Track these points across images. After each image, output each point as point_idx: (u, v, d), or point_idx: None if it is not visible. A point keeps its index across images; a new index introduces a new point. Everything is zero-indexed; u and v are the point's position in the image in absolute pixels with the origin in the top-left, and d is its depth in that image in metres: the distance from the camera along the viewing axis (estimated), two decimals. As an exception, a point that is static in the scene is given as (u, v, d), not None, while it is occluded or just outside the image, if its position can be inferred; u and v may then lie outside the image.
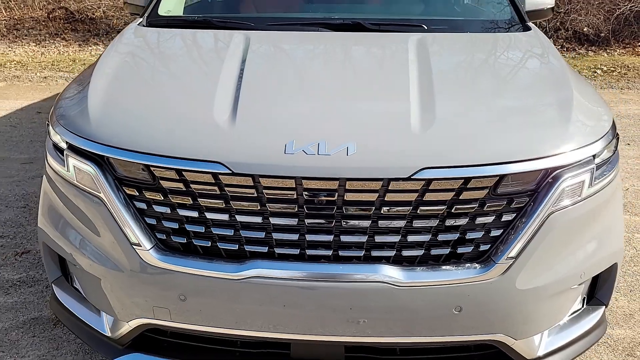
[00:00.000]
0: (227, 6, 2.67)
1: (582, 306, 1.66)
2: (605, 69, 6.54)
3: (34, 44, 8.16)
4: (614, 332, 2.15)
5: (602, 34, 8.09)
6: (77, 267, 1.57)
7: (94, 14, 9.02)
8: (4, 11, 9.38)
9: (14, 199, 3.22)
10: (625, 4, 8.11)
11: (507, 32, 2.14)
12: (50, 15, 9.15)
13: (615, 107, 5.17)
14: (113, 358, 1.58)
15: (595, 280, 1.64)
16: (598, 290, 1.67)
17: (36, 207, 3.05)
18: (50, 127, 1.65)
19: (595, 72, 6.43)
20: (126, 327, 1.52)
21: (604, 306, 1.67)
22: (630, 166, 3.77)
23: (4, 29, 8.74)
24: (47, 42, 8.19)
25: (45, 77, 5.97)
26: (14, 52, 7.41)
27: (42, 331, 2.13)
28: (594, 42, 8.09)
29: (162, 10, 2.31)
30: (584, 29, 8.09)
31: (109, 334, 1.57)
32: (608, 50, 7.75)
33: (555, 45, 7.99)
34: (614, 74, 6.34)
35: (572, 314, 1.62)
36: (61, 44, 8.10)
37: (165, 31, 2.15)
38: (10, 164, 3.71)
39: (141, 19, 2.29)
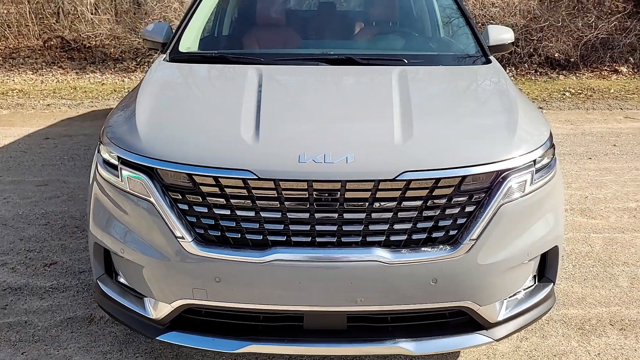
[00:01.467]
0: (235, 42, 3.13)
1: (535, 283, 2.09)
2: (573, 91, 7.16)
3: (31, 72, 8.51)
4: (568, 311, 2.59)
5: (572, 59, 8.77)
6: (125, 261, 1.94)
7: (89, 43, 9.45)
8: (-1, 41, 9.76)
9: (35, 217, 3.57)
10: (591, 31, 8.85)
11: (472, 64, 2.63)
12: (46, 44, 9.55)
13: (580, 125, 5.74)
14: (155, 336, 1.95)
15: (544, 262, 2.08)
16: (547, 270, 2.10)
17: (56, 224, 3.43)
18: (102, 145, 2.04)
19: (564, 94, 7.04)
20: (168, 309, 1.89)
21: (552, 283, 2.10)
22: (591, 177, 4.27)
23: (0, 58, 9.11)
24: (44, 70, 8.56)
25: (48, 105, 6.34)
26: (13, 80, 7.77)
27: (78, 328, 2.48)
28: (564, 67, 8.76)
29: (183, 47, 2.76)
30: (555, 55, 8.76)
31: (152, 316, 1.93)
32: (577, 74, 8.41)
33: (529, 69, 8.66)
34: (581, 96, 6.96)
35: (526, 289, 2.05)
36: (58, 72, 8.47)
37: (189, 65, 2.59)
38: (26, 186, 4.05)
39: (164, 55, 2.72)
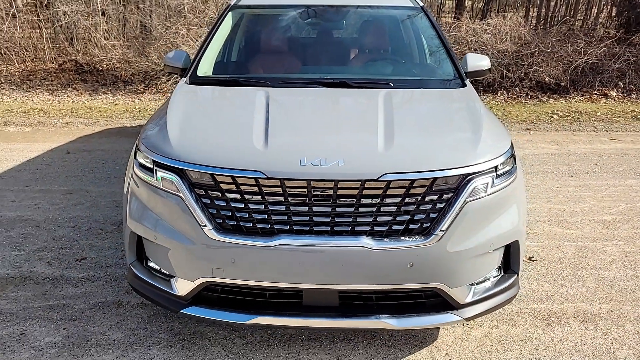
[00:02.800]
0: (243, 67, 3.61)
1: (500, 274, 2.50)
2: (561, 114, 7.64)
3: (47, 93, 9.07)
4: (537, 306, 2.98)
5: (562, 84, 9.28)
6: (156, 246, 2.37)
7: (101, 66, 10.04)
8: (16, 63, 10.37)
9: (63, 221, 4.00)
10: (581, 57, 9.39)
11: (449, 88, 3.10)
12: (61, 67, 10.15)
13: (566, 146, 6.18)
14: (179, 310, 2.36)
15: (508, 255, 2.48)
16: (512, 263, 2.50)
17: (83, 227, 3.86)
18: (139, 152, 2.48)
19: (552, 116, 7.51)
20: (191, 286, 2.30)
21: (516, 274, 2.50)
22: (571, 193, 4.69)
23: (18, 80, 9.69)
24: (60, 91, 9.11)
25: (67, 123, 6.84)
26: (32, 100, 8.31)
27: (109, 310, 2.89)
28: (555, 91, 9.26)
29: (200, 72, 3.24)
30: (546, 79, 9.27)
31: (177, 293, 2.35)
32: (567, 98, 8.90)
33: (520, 93, 9.16)
34: (568, 118, 7.42)
35: (494, 278, 2.45)
36: (73, 93, 9.03)
37: (207, 87, 3.07)
38: (53, 195, 4.50)
39: (185, 79, 3.20)
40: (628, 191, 4.73)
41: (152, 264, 2.50)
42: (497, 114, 7.66)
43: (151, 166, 2.38)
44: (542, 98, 8.89)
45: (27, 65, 10.26)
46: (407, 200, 2.19)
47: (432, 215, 2.22)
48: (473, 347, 2.60)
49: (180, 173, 2.26)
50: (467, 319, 2.36)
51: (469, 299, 2.34)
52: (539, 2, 14.99)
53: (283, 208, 2.19)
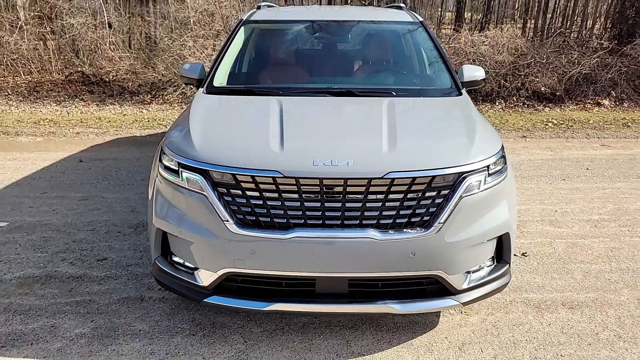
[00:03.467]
0: (255, 78, 3.91)
1: (494, 263, 2.76)
2: (555, 122, 7.96)
3: (55, 104, 9.37)
4: (528, 295, 3.24)
5: (558, 93, 9.63)
6: (181, 241, 2.63)
7: (108, 77, 10.36)
8: (22, 75, 10.68)
9: (82, 225, 4.26)
10: (575, 67, 9.74)
11: (446, 96, 3.39)
12: (68, 79, 10.47)
13: (560, 152, 6.48)
14: (202, 299, 2.62)
15: (500, 247, 2.75)
16: (504, 254, 2.77)
17: (101, 230, 4.11)
18: (164, 155, 2.75)
19: (547, 124, 7.83)
20: (214, 276, 2.56)
21: (508, 264, 2.77)
22: (563, 195, 4.98)
23: (25, 91, 9.99)
24: (67, 102, 9.41)
25: (77, 133, 7.13)
26: (41, 111, 8.60)
27: (133, 304, 3.14)
28: (550, 100, 9.61)
29: (216, 83, 3.53)
30: (542, 89, 9.62)
31: (201, 283, 2.61)
32: (562, 107, 9.24)
33: (517, 102, 9.49)
34: (562, 126, 7.74)
35: (487, 267, 2.72)
36: (80, 104, 9.33)
37: (223, 96, 3.35)
38: (70, 201, 4.77)
39: (202, 89, 3.49)
40: (616, 193, 5.02)
41: (176, 259, 2.75)
42: (494, 122, 7.98)
43: (176, 168, 2.65)
44: (538, 107, 9.23)
45: (34, 77, 10.57)
46: (409, 196, 2.47)
47: (432, 209, 2.49)
48: (470, 331, 2.86)
49: (204, 174, 2.53)
50: (464, 304, 2.62)
51: (465, 286, 2.60)
52: (535, 14, 15.43)
53: (298, 204, 2.46)
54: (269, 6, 4.82)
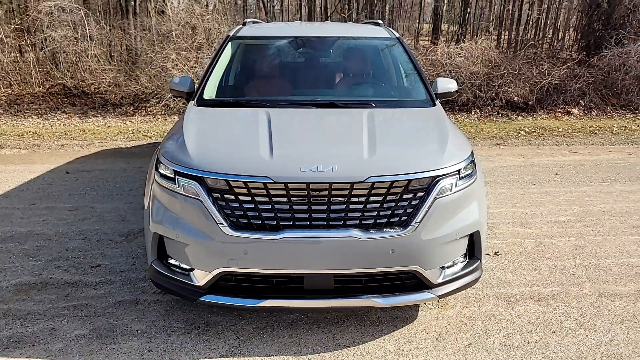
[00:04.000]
0: (242, 91, 4.15)
1: (467, 259, 3.04)
2: (527, 130, 8.38)
3: (36, 116, 9.43)
4: (500, 290, 3.53)
5: (530, 103, 10.09)
6: (177, 244, 2.83)
7: (90, 90, 10.46)
8: (2, 88, 10.71)
9: (73, 234, 4.41)
10: (545, 78, 10.24)
11: (421, 107, 3.69)
12: (48, 91, 10.53)
13: (530, 159, 6.86)
14: (198, 298, 2.82)
15: (472, 245, 3.03)
16: (475, 251, 3.05)
17: (93, 239, 4.27)
18: (160, 164, 2.96)
19: (520, 132, 8.24)
20: (209, 276, 2.77)
21: (479, 260, 3.05)
22: (533, 198, 5.32)
23: (5, 104, 10.02)
24: (49, 115, 9.48)
25: (62, 145, 7.24)
26: (23, 124, 8.66)
27: (128, 307, 3.32)
28: (523, 109, 10.06)
29: (206, 96, 3.76)
30: (515, 99, 10.07)
31: (196, 283, 2.81)
32: (534, 116, 9.69)
33: (492, 111, 9.91)
34: (534, 134, 8.16)
35: (461, 262, 2.99)
36: (62, 116, 9.41)
37: (215, 108, 3.58)
38: (59, 211, 4.91)
39: (193, 102, 3.71)
40: (582, 196, 5.38)
41: (172, 261, 2.96)
42: (470, 131, 8.35)
43: (172, 176, 2.87)
44: (512, 116, 9.66)
45: (14, 90, 10.61)
46: (388, 198, 2.73)
47: (409, 210, 2.76)
48: (446, 323, 3.13)
49: (199, 180, 2.76)
50: (440, 297, 2.89)
51: (440, 280, 2.87)
52: (509, 26, 16.04)
53: (287, 207, 2.71)
54: (253, 22, 5.09)
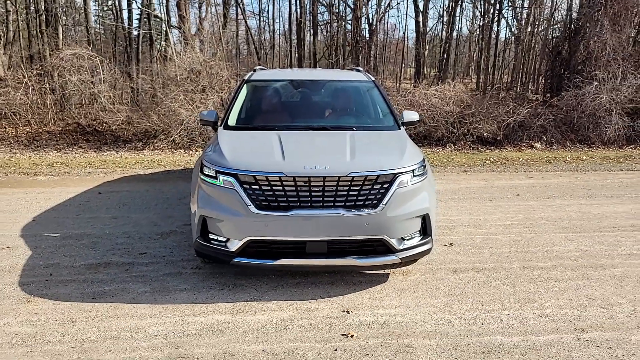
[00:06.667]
0: (255, 119, 5.64)
1: (421, 236, 4.45)
2: (492, 160, 9.95)
3: (55, 151, 10.85)
4: (450, 266, 4.92)
5: (498, 138, 11.76)
6: (218, 222, 4.21)
7: (101, 127, 11.94)
8: (21, 126, 12.15)
9: (119, 234, 5.75)
10: (512, 116, 11.94)
11: (389, 130, 5.19)
12: (64, 129, 11.99)
13: (491, 182, 8.38)
14: (232, 259, 4.19)
15: (425, 225, 4.45)
16: (427, 229, 4.46)
17: (135, 237, 5.64)
18: (205, 167, 4.38)
19: (485, 161, 9.80)
20: (240, 243, 4.14)
21: (430, 236, 4.45)
22: (487, 209, 6.78)
23: (26, 140, 11.44)
24: (67, 149, 10.91)
25: (89, 172, 8.63)
26: (48, 156, 10.05)
27: (175, 276, 4.63)
28: (492, 144, 11.71)
29: (230, 122, 5.25)
30: (484, 134, 11.74)
31: (231, 249, 4.18)
32: (501, 149, 11.31)
33: (464, 146, 11.52)
34: (497, 162, 9.73)
35: (417, 237, 4.40)
36: (79, 151, 10.84)
37: (237, 131, 5.06)
38: (102, 219, 6.25)
39: (221, 127, 5.18)
40: (528, 208, 6.87)
41: (212, 235, 4.33)
42: (443, 160, 9.91)
43: (214, 174, 4.29)
44: (482, 150, 11.27)
45: (33, 128, 12.05)
46: (363, 187, 4.16)
47: (378, 196, 4.18)
48: (408, 283, 4.51)
49: (234, 176, 4.18)
50: (402, 259, 4.26)
51: (401, 247, 4.26)
52: (483, 70, 18.04)
53: (295, 193, 4.12)
54: (261, 69, 6.67)
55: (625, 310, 4.08)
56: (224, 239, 4.26)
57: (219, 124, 5.37)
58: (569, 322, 3.88)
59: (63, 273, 4.66)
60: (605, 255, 5.23)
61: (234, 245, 4.19)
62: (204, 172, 4.41)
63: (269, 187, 4.14)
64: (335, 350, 3.47)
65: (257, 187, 4.15)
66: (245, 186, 4.17)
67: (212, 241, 4.33)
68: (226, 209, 4.21)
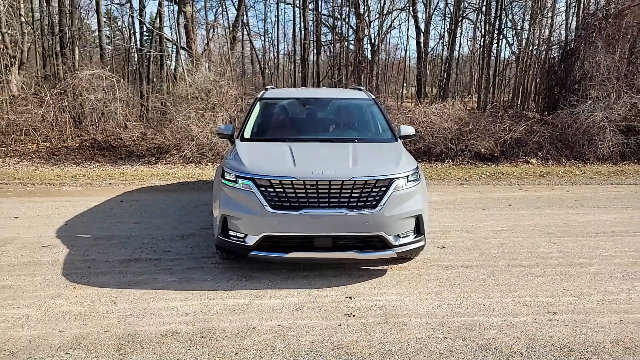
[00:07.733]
0: (267, 132, 6.39)
1: (415, 234, 5.15)
2: (488, 174, 10.66)
3: (74, 165, 11.63)
4: (442, 263, 5.60)
5: (495, 154, 12.48)
6: (238, 220, 4.92)
7: (116, 143, 12.74)
8: (40, 142, 12.96)
9: (144, 235, 6.47)
10: (508, 133, 12.68)
11: (387, 142, 5.94)
12: (81, 145, 12.80)
13: (486, 194, 9.08)
14: (249, 253, 4.89)
15: (419, 225, 5.15)
16: (420, 229, 5.16)
17: (159, 238, 6.38)
18: (226, 172, 5.11)
19: (481, 175, 10.51)
20: (256, 238, 4.85)
21: (423, 235, 5.15)
22: (479, 217, 7.47)
23: (46, 155, 12.24)
24: (85, 164, 11.69)
25: (109, 184, 9.39)
26: (68, 170, 10.82)
27: (197, 270, 5.33)
28: (490, 160, 12.43)
29: (246, 135, 6.01)
30: (482, 151, 12.46)
31: (249, 244, 4.89)
32: (498, 164, 12.02)
33: (462, 161, 12.24)
34: (493, 177, 10.43)
35: (411, 235, 5.10)
36: (96, 165, 11.62)
37: (253, 142, 5.81)
38: (127, 224, 6.97)
39: (238, 139, 5.94)
40: (518, 217, 7.55)
41: (231, 232, 5.03)
42: (440, 174, 10.63)
43: (234, 179, 5.02)
44: (479, 165, 11.98)
45: (52, 144, 12.87)
46: (364, 190, 4.88)
47: (377, 198, 4.89)
48: (404, 276, 5.19)
49: (252, 180, 4.90)
50: (398, 254, 4.95)
51: (397, 243, 4.95)
52: (484, 90, 18.86)
53: (304, 195, 4.83)
54: (271, 88, 7.47)
55: (595, 299, 4.74)
56: (242, 235, 4.97)
57: (235, 136, 6.13)
58: (543, 307, 4.54)
59: (100, 266, 5.37)
60: (585, 256, 5.89)
61: (251, 240, 4.89)
62: (225, 177, 5.15)
63: (282, 190, 4.86)
64: (340, 325, 4.15)
65: (271, 189, 4.87)
66: (261, 189, 4.89)
67: (231, 237, 5.04)
68: (245, 208, 4.92)
